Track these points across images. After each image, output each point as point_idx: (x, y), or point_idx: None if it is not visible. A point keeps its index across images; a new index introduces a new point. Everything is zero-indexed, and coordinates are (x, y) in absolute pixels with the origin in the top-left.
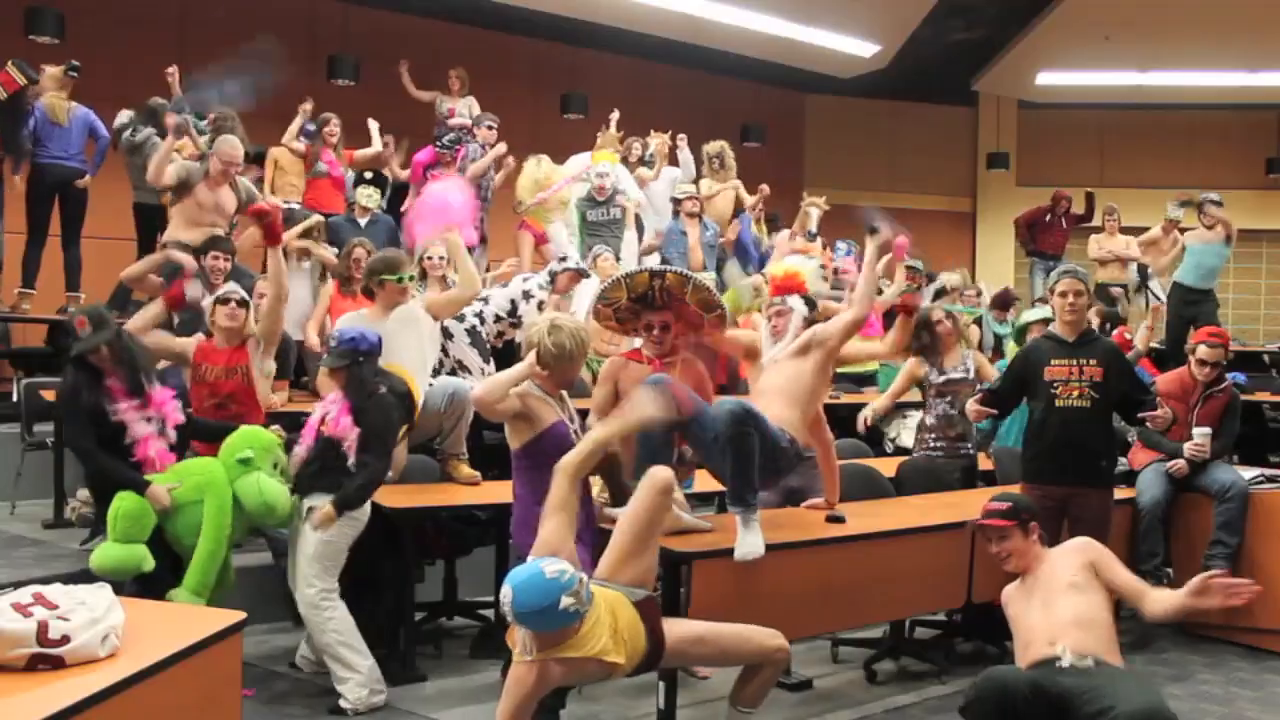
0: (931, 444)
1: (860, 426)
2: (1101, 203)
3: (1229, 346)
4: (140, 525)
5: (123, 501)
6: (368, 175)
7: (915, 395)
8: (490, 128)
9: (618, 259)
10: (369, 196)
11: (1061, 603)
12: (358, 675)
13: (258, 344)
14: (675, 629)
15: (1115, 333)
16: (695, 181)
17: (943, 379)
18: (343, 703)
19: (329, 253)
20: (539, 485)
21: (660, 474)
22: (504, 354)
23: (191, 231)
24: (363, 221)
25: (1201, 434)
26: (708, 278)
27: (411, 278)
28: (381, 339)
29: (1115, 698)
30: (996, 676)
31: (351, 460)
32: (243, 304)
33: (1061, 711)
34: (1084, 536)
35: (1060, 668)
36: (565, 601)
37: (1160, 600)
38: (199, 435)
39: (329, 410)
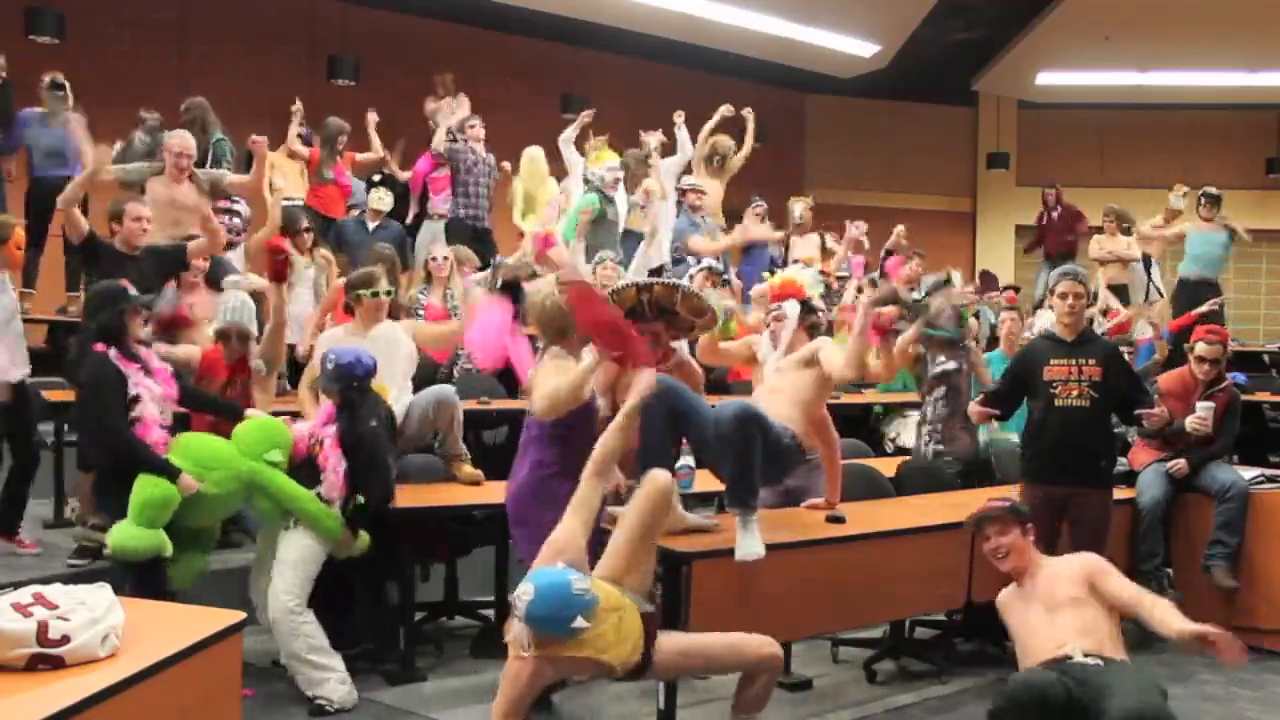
0: (933, 438)
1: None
2: (1101, 203)
3: (1228, 343)
4: (166, 513)
5: (153, 488)
6: (377, 178)
7: (916, 395)
8: (472, 126)
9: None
10: (381, 199)
11: (1064, 615)
12: (336, 673)
13: (258, 372)
14: (663, 642)
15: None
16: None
17: (938, 369)
18: (323, 703)
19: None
20: (559, 457)
21: (659, 477)
22: None
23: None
24: (372, 225)
25: (1204, 408)
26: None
27: (389, 293)
28: (376, 362)
29: (1113, 695)
30: (1034, 682)
31: (328, 495)
32: (243, 339)
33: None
34: (1084, 550)
35: (1073, 662)
36: (578, 622)
37: (1165, 624)
38: (198, 406)
39: (323, 437)
